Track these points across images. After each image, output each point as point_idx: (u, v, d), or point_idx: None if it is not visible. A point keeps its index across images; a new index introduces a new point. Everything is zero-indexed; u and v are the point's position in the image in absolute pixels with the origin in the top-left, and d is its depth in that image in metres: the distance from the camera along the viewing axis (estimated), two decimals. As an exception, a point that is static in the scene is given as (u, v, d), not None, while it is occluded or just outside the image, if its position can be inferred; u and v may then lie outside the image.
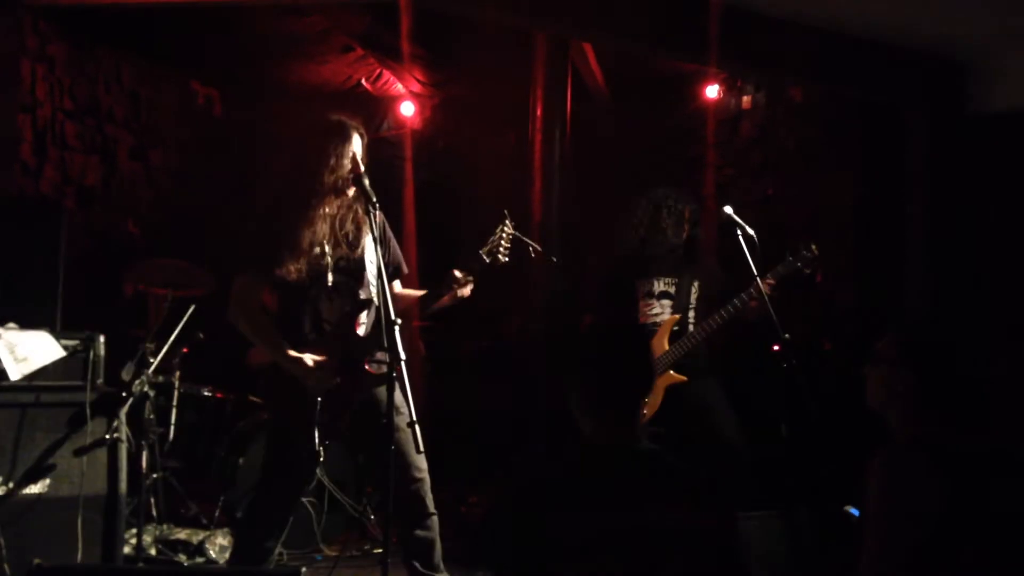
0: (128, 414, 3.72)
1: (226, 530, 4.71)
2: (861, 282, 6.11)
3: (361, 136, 3.38)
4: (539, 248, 3.56)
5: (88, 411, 3.57)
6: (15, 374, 3.45)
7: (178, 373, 5.03)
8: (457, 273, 3.37)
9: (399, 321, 2.89)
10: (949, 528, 2.15)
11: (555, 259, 3.70)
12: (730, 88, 7.06)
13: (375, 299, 3.36)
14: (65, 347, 3.61)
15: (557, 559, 1.99)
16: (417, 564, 3.33)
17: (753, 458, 4.34)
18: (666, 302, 4.48)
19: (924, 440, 2.28)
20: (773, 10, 4.90)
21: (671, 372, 4.35)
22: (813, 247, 4.23)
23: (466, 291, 3.41)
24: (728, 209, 4.02)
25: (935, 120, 5.54)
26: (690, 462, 2.18)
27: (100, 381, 3.69)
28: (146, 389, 4.11)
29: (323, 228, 3.29)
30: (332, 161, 3.27)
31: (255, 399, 5.28)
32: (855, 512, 3.53)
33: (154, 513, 4.68)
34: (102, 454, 3.62)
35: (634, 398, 2.21)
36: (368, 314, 3.37)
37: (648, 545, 2.01)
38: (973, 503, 2.17)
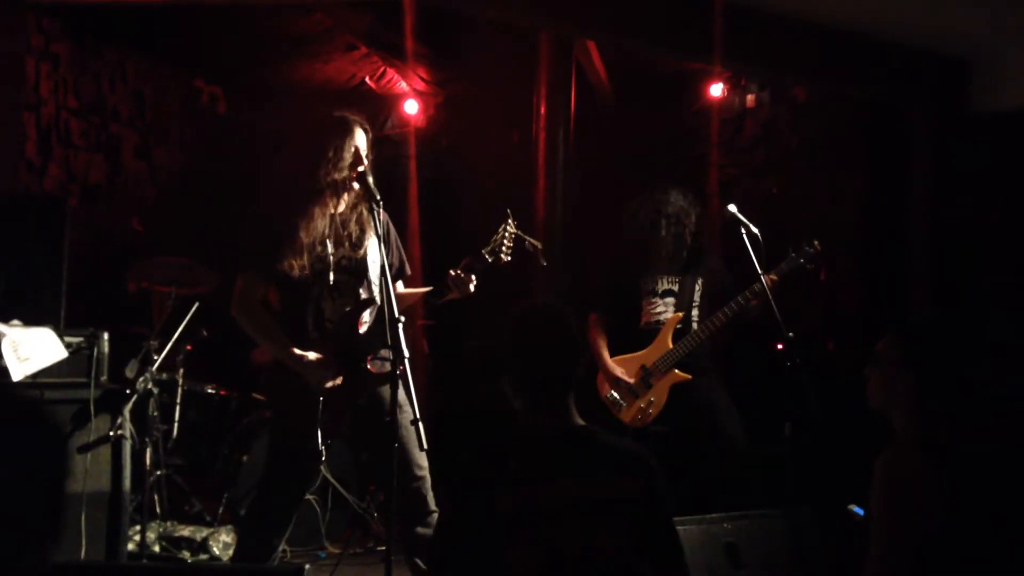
0: (132, 411, 3.73)
1: (230, 527, 4.72)
2: (865, 280, 6.10)
3: (365, 131, 3.37)
4: (541, 247, 3.55)
5: (92, 408, 3.57)
6: (17, 374, 3.46)
7: (182, 370, 5.04)
8: (453, 273, 3.35)
9: (403, 319, 2.89)
10: (954, 527, 2.15)
11: (545, 263, 3.68)
12: (734, 87, 7.06)
13: (377, 298, 3.36)
14: (69, 344, 3.62)
15: (500, 533, 2.08)
16: (419, 561, 3.33)
17: (756, 457, 4.33)
18: (669, 300, 4.47)
19: (927, 439, 2.28)
20: (776, 7, 4.90)
21: (675, 371, 4.34)
22: (816, 243, 4.24)
23: (468, 289, 3.38)
24: (732, 208, 4.02)
25: (938, 119, 5.54)
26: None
27: (104, 378, 3.69)
28: (150, 386, 4.12)
29: (325, 226, 3.30)
30: (331, 157, 3.27)
31: (258, 396, 5.29)
32: (858, 511, 3.53)
33: (158, 510, 4.69)
34: (106, 451, 3.62)
35: (562, 379, 2.29)
36: (370, 313, 3.37)
37: (582, 517, 2.12)
38: (977, 502, 2.17)
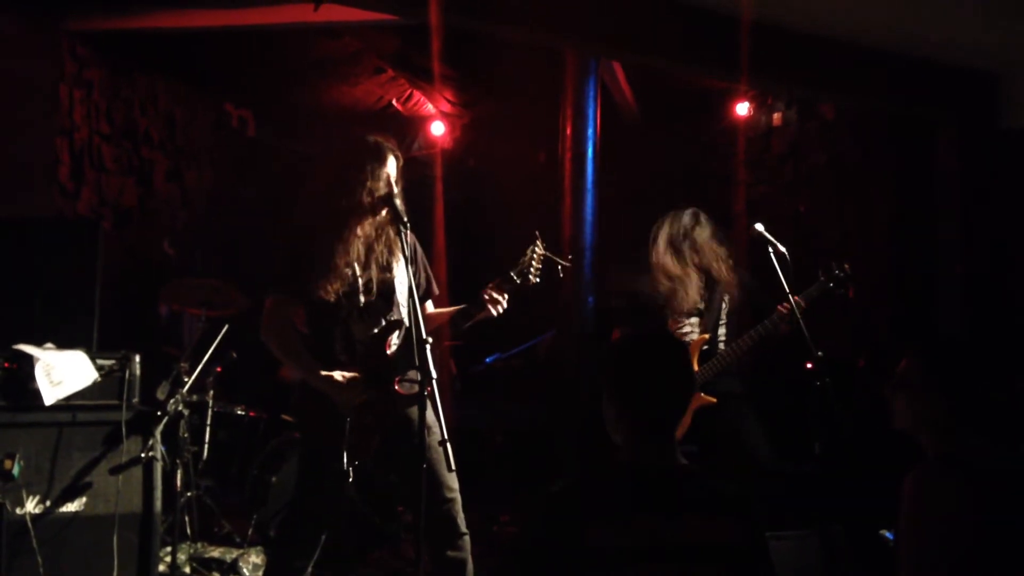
0: (163, 433, 3.77)
1: (259, 548, 4.73)
2: (896, 298, 6.05)
3: (396, 157, 3.41)
4: (570, 267, 3.55)
5: (124, 430, 3.61)
6: (50, 398, 3.50)
7: (212, 392, 5.07)
8: (491, 294, 3.35)
9: (430, 340, 2.90)
10: (984, 546, 2.12)
11: (568, 261, 3.58)
12: (760, 105, 7.04)
13: (406, 320, 3.37)
14: (101, 366, 3.66)
15: (586, 568, 1.97)
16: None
17: (786, 477, 4.30)
18: (695, 320, 4.45)
19: (957, 457, 2.25)
20: (804, 26, 4.89)
21: (700, 394, 4.31)
22: (845, 266, 4.20)
23: (499, 309, 3.38)
24: (759, 226, 4.01)
25: (967, 134, 5.49)
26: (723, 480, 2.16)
27: (135, 400, 3.73)
28: (180, 408, 4.15)
29: (355, 248, 3.32)
30: (368, 181, 3.30)
31: (288, 418, 5.32)
32: (890, 536, 3.49)
33: (188, 531, 4.71)
34: (137, 472, 3.66)
35: (674, 414, 2.16)
36: (399, 334, 3.38)
37: (677, 560, 2.00)
38: (1008, 521, 2.14)
